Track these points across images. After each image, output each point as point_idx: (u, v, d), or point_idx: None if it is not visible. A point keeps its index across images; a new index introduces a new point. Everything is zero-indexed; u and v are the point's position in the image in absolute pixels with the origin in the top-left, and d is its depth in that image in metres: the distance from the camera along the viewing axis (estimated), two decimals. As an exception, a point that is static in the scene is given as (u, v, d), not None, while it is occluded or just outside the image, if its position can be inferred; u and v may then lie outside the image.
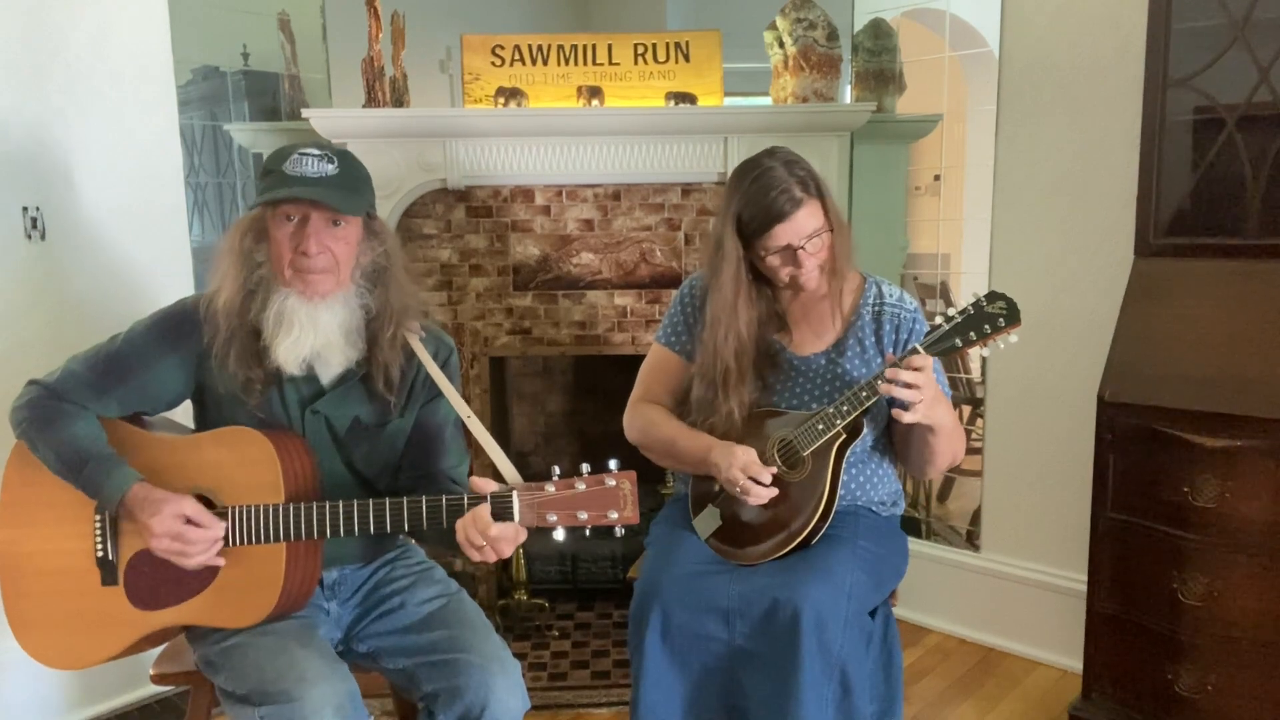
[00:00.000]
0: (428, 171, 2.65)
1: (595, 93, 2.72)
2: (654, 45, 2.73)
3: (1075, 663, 2.38)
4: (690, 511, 1.92)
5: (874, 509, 1.91)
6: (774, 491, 1.75)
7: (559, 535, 1.46)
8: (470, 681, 1.55)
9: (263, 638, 1.54)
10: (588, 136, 2.66)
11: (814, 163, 1.84)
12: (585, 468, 1.46)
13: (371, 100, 2.61)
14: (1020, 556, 2.76)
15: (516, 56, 2.72)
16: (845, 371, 1.86)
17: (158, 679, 1.73)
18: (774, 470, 1.76)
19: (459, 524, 1.48)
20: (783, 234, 1.76)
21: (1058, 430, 2.62)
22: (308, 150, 1.57)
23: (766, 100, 2.87)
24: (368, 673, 1.69)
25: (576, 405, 3.47)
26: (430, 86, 2.95)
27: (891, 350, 1.86)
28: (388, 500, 1.53)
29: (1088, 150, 2.49)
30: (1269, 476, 1.88)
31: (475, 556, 1.48)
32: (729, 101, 2.80)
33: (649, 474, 2.31)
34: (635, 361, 2.07)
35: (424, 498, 1.52)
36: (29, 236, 2.29)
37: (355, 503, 1.53)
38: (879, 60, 2.90)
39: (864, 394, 1.71)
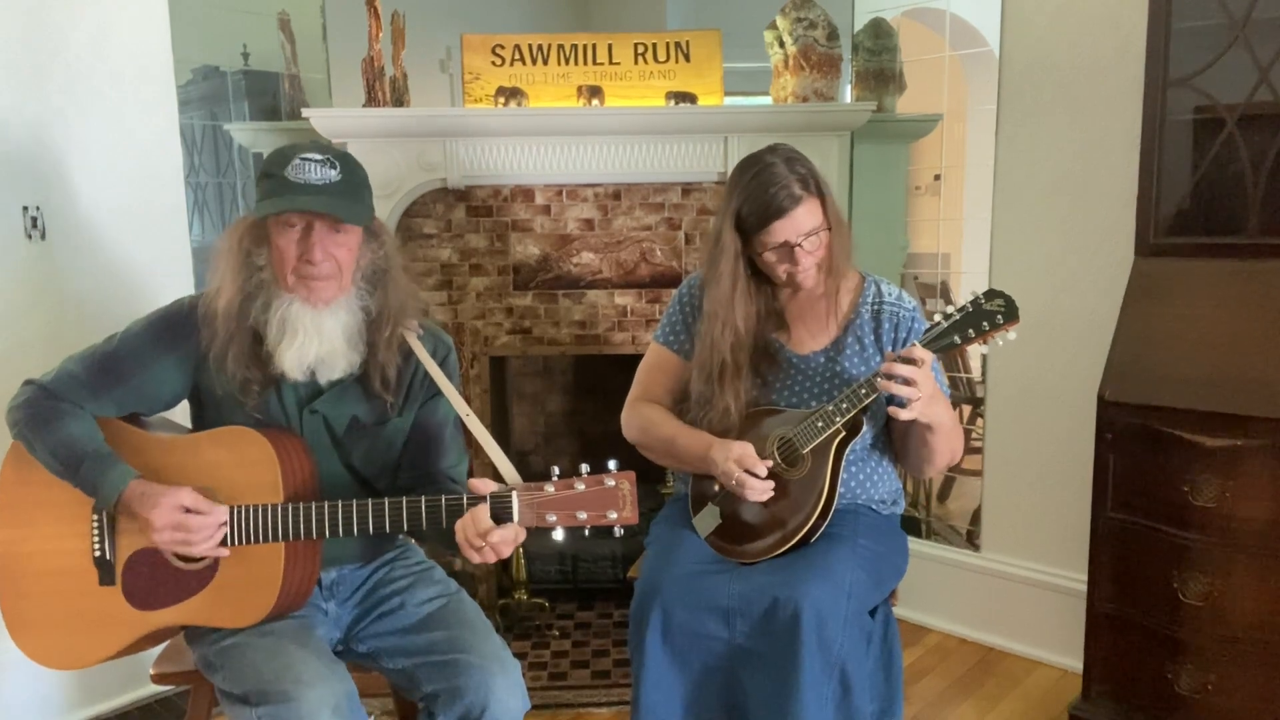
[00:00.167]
0: (428, 171, 2.65)
1: (595, 92, 2.72)
2: (654, 45, 2.73)
3: (1075, 663, 2.37)
4: (690, 510, 1.92)
5: (874, 507, 1.91)
6: (770, 484, 1.75)
7: (558, 535, 1.46)
8: (470, 682, 1.55)
9: (261, 638, 1.54)
10: (588, 136, 2.66)
11: (814, 162, 1.84)
12: (584, 468, 1.46)
13: (371, 100, 2.61)
14: (1020, 556, 2.76)
15: (516, 56, 2.72)
16: (844, 369, 1.86)
17: (158, 679, 1.73)
18: (769, 464, 1.76)
19: (458, 525, 1.48)
20: (781, 230, 1.76)
21: (1058, 430, 2.62)
22: (309, 155, 1.55)
23: (767, 100, 2.87)
24: (367, 673, 1.69)
25: (576, 405, 3.47)
26: (430, 86, 2.95)
27: (890, 349, 1.86)
28: (387, 500, 1.53)
29: (1088, 150, 2.49)
30: (1269, 476, 1.88)
31: (475, 558, 1.48)
32: (729, 101, 2.80)
33: (649, 474, 2.31)
34: (635, 361, 2.07)
35: (423, 498, 1.52)
36: (29, 236, 2.29)
37: (354, 503, 1.53)
38: (879, 60, 2.90)
39: (863, 392, 1.71)
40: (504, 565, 2.99)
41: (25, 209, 2.28)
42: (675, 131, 2.66)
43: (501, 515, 1.46)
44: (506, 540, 1.46)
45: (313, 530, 1.53)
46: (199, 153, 2.62)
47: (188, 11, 2.54)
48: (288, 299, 1.57)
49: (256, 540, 1.54)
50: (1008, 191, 2.66)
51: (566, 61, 2.73)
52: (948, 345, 1.67)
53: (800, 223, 1.76)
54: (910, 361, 1.64)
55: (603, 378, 3.29)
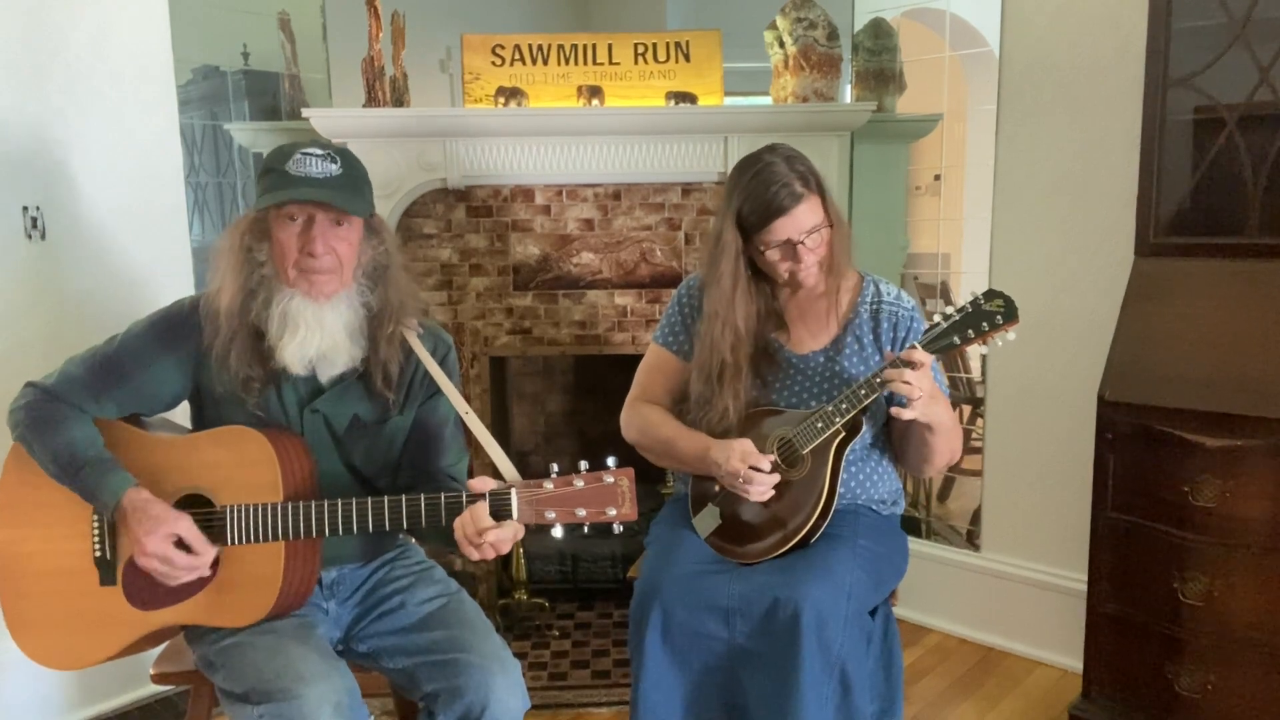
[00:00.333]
0: (428, 171, 2.65)
1: (595, 92, 2.72)
2: (654, 45, 2.73)
3: (1075, 663, 2.37)
4: (690, 511, 1.92)
5: (874, 507, 1.91)
6: (775, 478, 1.75)
7: (557, 532, 1.46)
8: (470, 681, 1.55)
9: (261, 637, 1.54)
10: (588, 136, 2.66)
11: (814, 162, 1.84)
12: (583, 465, 1.46)
13: (371, 100, 2.61)
14: (1020, 556, 2.76)
15: (516, 56, 2.72)
16: (844, 369, 1.86)
17: (158, 679, 1.73)
18: (773, 458, 1.77)
19: (457, 522, 1.48)
20: (783, 228, 1.76)
21: (1058, 430, 2.62)
22: (310, 150, 1.56)
23: (767, 100, 2.87)
24: (367, 672, 1.69)
25: (576, 405, 3.47)
26: (430, 86, 2.95)
27: (890, 348, 1.86)
28: (386, 499, 1.53)
29: (1088, 150, 2.49)
30: (1269, 476, 1.88)
31: (474, 555, 1.48)
32: (729, 101, 2.80)
33: (649, 474, 2.31)
34: (635, 361, 2.07)
35: (422, 495, 1.52)
36: (29, 236, 2.29)
37: (354, 501, 1.53)
38: (879, 60, 2.90)
39: (863, 392, 1.71)
40: (504, 565, 2.99)
41: (25, 209, 2.28)
42: (675, 131, 2.66)
43: (501, 512, 1.46)
44: (505, 538, 1.46)
45: (312, 529, 1.53)
46: (199, 153, 2.62)
47: (188, 11, 2.54)
48: (289, 293, 1.57)
49: (256, 540, 1.54)
50: (1008, 191, 2.66)
51: (566, 61, 2.73)
52: (947, 346, 1.67)
53: (802, 220, 1.76)
54: (910, 363, 1.64)
55: (603, 378, 3.29)
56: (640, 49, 2.73)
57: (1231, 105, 2.04)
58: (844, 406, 1.73)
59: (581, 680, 2.61)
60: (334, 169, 1.55)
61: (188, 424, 1.73)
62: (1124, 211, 2.32)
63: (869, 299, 1.91)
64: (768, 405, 1.87)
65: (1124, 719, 2.15)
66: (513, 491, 1.46)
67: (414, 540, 1.87)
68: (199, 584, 1.56)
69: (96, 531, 1.59)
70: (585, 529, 1.46)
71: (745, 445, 1.76)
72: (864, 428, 1.80)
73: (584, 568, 3.08)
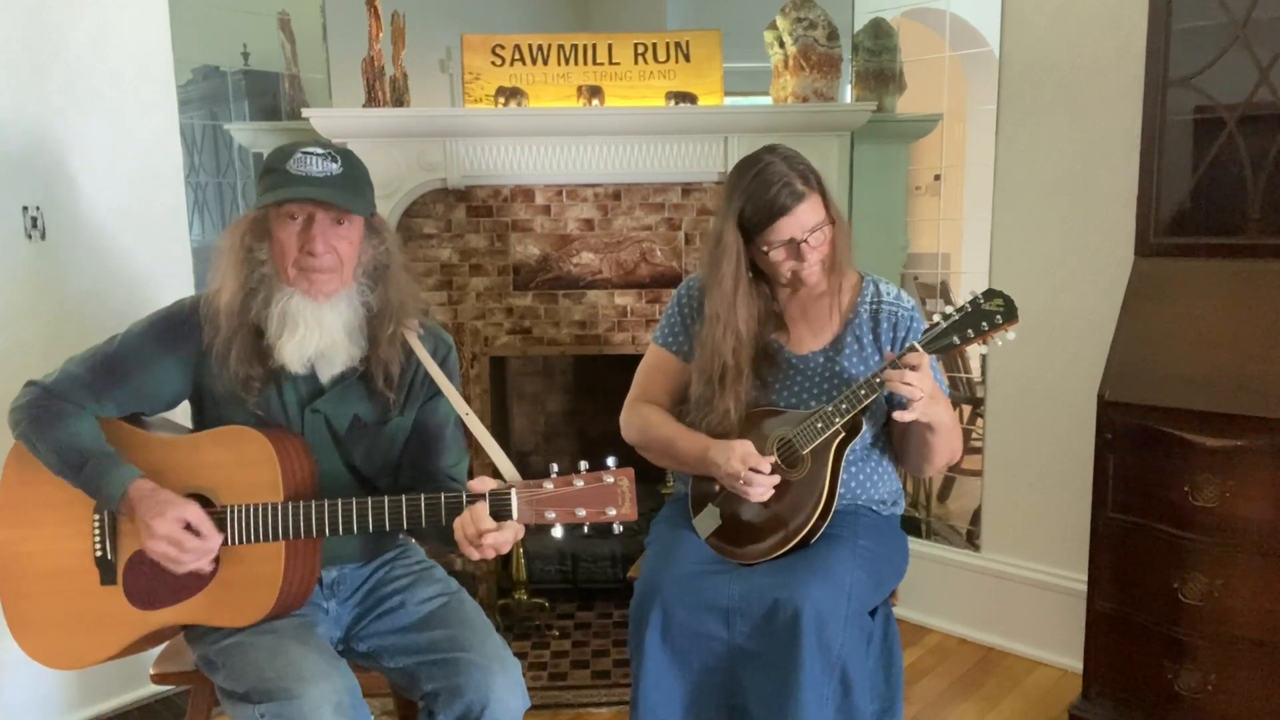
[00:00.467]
0: (428, 171, 2.65)
1: (595, 92, 2.72)
2: (654, 45, 2.73)
3: (1075, 663, 2.37)
4: (690, 511, 1.92)
5: (874, 508, 1.91)
6: (775, 479, 1.75)
7: (557, 532, 1.46)
8: (470, 680, 1.55)
9: (261, 636, 1.54)
10: (588, 136, 2.66)
11: (814, 162, 1.84)
12: (583, 465, 1.46)
13: (371, 100, 2.61)
14: (1020, 556, 2.76)
15: (516, 56, 2.72)
16: (843, 369, 1.86)
17: (158, 678, 1.73)
18: (773, 459, 1.77)
19: (457, 522, 1.48)
20: (786, 228, 1.76)
21: (1058, 430, 2.62)
22: (311, 149, 1.56)
23: (767, 100, 2.87)
24: (367, 672, 1.69)
25: (576, 405, 3.47)
26: (430, 86, 2.95)
27: (890, 348, 1.86)
28: (386, 499, 1.53)
29: (1088, 150, 2.49)
30: (1269, 476, 1.88)
31: (474, 555, 1.48)
32: (729, 101, 2.80)
33: (649, 474, 2.31)
34: (635, 361, 2.07)
35: (422, 496, 1.52)
36: (29, 236, 2.29)
37: (354, 501, 1.53)
38: (879, 60, 2.90)
39: (862, 392, 1.71)
40: (504, 565, 2.99)
41: (25, 209, 2.28)
42: (675, 131, 2.66)
43: (501, 513, 1.46)
44: (505, 538, 1.46)
45: (313, 529, 1.53)
46: (199, 153, 2.62)
47: (188, 11, 2.54)
48: (288, 292, 1.57)
49: (257, 540, 1.54)
50: (1008, 191, 2.66)
51: (566, 61, 2.73)
52: (947, 346, 1.67)
53: (804, 219, 1.76)
54: (910, 363, 1.64)
55: (603, 378, 3.29)
56: (640, 49, 2.73)
57: (1231, 105, 2.04)
58: (844, 407, 1.73)
59: (581, 680, 2.61)
60: (334, 168, 1.56)
61: (188, 423, 1.73)
62: (1124, 211, 2.32)
63: (869, 299, 1.91)
64: (767, 406, 1.87)
65: (1124, 719, 2.15)
66: (513, 492, 1.46)
67: (414, 540, 1.87)
68: (199, 583, 1.57)
69: (97, 531, 1.59)
70: (585, 529, 1.46)
71: (745, 447, 1.76)
72: (864, 428, 1.80)
73: (584, 568, 3.08)
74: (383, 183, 2.54)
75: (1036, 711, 2.47)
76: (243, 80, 2.72)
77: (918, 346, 1.67)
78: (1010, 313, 1.64)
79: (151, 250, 2.51)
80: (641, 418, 1.96)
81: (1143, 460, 2.06)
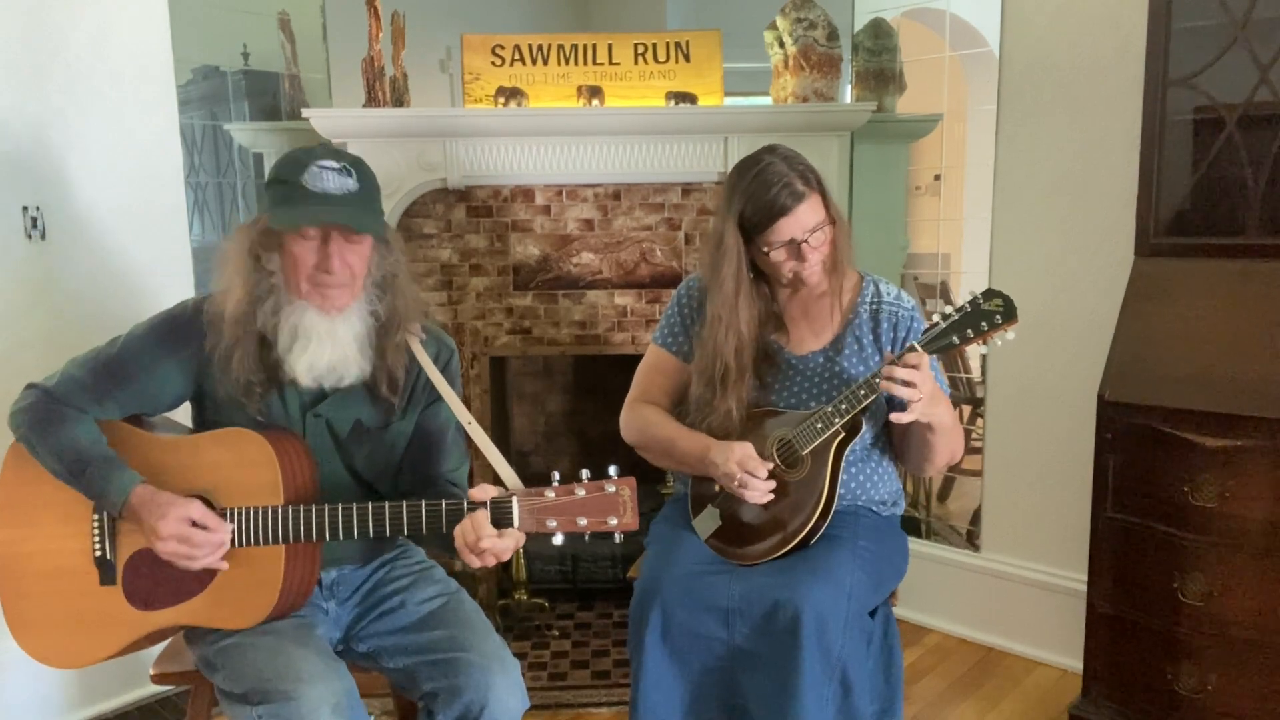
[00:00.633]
0: (428, 171, 2.65)
1: (595, 92, 2.72)
2: (654, 45, 2.73)
3: (1075, 663, 2.37)
4: (690, 512, 1.92)
5: (874, 508, 1.91)
6: (772, 484, 1.75)
7: (558, 540, 1.46)
8: (470, 681, 1.55)
9: (260, 637, 1.54)
10: (588, 136, 2.66)
11: (814, 162, 1.84)
12: (585, 474, 1.46)
13: (371, 100, 2.61)
14: (1020, 556, 2.76)
15: (516, 56, 2.72)
16: (843, 370, 1.86)
17: (158, 679, 1.73)
18: (771, 465, 1.76)
19: (457, 530, 1.48)
20: (787, 228, 1.76)
21: (1058, 430, 2.62)
22: (326, 163, 1.53)
23: (766, 100, 2.87)
24: (367, 672, 1.69)
25: (576, 405, 3.47)
26: (430, 86, 2.95)
27: (890, 348, 1.86)
28: (387, 504, 1.53)
29: (1088, 150, 2.49)
30: (1269, 476, 1.88)
31: (474, 563, 1.48)
32: (729, 101, 2.80)
33: (649, 474, 2.31)
34: (635, 361, 2.07)
35: (423, 502, 1.52)
36: (29, 236, 2.29)
37: (355, 506, 1.53)
38: (879, 60, 2.90)
39: (862, 393, 1.71)
40: (504, 565, 2.99)
41: (25, 209, 2.28)
42: (675, 132, 2.66)
43: (502, 521, 1.46)
44: (506, 546, 1.46)
45: (313, 533, 1.53)
46: (199, 153, 2.62)
47: (188, 11, 2.54)
48: (300, 306, 1.56)
49: (257, 542, 1.54)
50: (1008, 191, 2.66)
51: (566, 61, 2.73)
52: (946, 346, 1.67)
53: (805, 219, 1.76)
54: (909, 363, 1.64)
55: (603, 378, 3.29)
56: (640, 49, 2.73)
57: (1231, 105, 2.04)
58: (843, 407, 1.72)
59: (581, 680, 2.61)
60: (351, 184, 1.54)
61: (189, 422, 1.73)
62: (1124, 211, 2.32)
63: (869, 299, 1.90)
64: (767, 406, 1.87)
65: (1124, 719, 2.15)
66: (514, 500, 1.46)
67: (414, 543, 1.87)
68: (199, 584, 1.57)
69: (97, 531, 1.59)
70: (586, 537, 1.47)
71: (745, 449, 1.75)
72: (864, 428, 1.80)
73: (584, 568, 3.09)
74: (383, 183, 2.49)
75: (1036, 711, 2.47)
76: (243, 80, 2.72)
77: (917, 347, 1.67)
78: (1010, 313, 1.64)
79: (151, 250, 2.51)
80: (641, 418, 1.96)
81: (1142, 460, 2.06)
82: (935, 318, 1.69)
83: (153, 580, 1.57)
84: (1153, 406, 2.03)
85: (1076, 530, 2.36)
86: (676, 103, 2.71)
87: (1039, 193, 2.60)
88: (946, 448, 1.80)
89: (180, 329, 1.62)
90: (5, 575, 1.61)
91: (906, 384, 1.63)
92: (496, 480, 1.51)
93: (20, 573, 1.60)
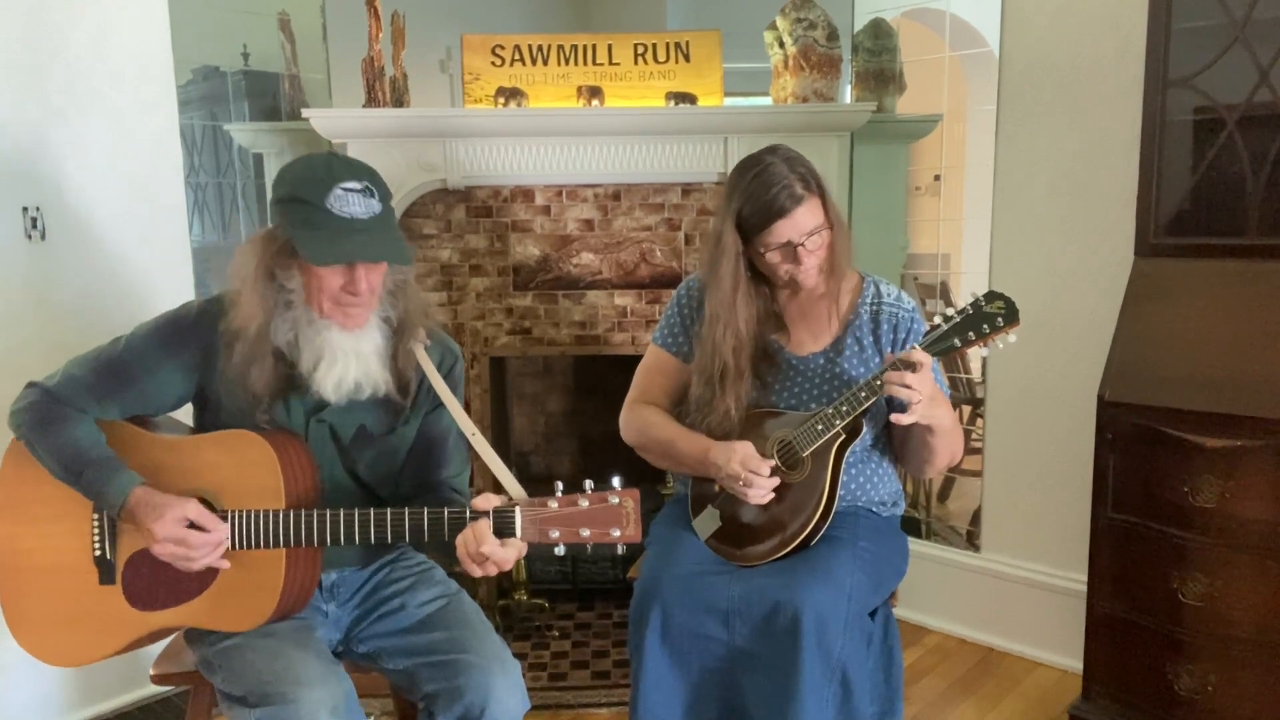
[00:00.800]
0: (428, 171, 2.65)
1: (595, 93, 2.72)
2: (654, 45, 2.73)
3: (1075, 663, 2.37)
4: (690, 512, 1.92)
5: (874, 509, 1.91)
6: (774, 482, 1.75)
7: (560, 551, 1.46)
8: (470, 682, 1.55)
9: (260, 639, 1.54)
10: (588, 136, 2.66)
11: (814, 163, 1.84)
12: (589, 484, 1.46)
13: (371, 100, 2.61)
14: (1020, 556, 2.76)
15: (516, 56, 2.72)
16: (844, 371, 1.86)
17: (158, 679, 1.73)
18: (773, 463, 1.76)
19: (459, 539, 1.48)
20: (783, 230, 1.76)
21: (1058, 430, 2.62)
22: (348, 184, 1.49)
23: (766, 100, 2.87)
24: (367, 673, 1.69)
25: (576, 405, 3.47)
26: (430, 86, 2.95)
27: (890, 350, 1.86)
28: (389, 511, 1.52)
29: (1088, 150, 2.49)
30: (1269, 476, 1.88)
31: (475, 571, 1.48)
32: (729, 101, 2.80)
33: (649, 474, 2.31)
34: (635, 361, 2.07)
35: (426, 510, 1.52)
36: (29, 236, 2.29)
37: (357, 512, 1.53)
38: (879, 60, 2.90)
39: (863, 394, 1.71)
40: (504, 565, 2.99)
41: (25, 209, 2.28)
42: (675, 132, 2.66)
43: (505, 531, 1.46)
44: (508, 556, 1.46)
45: (314, 538, 1.53)
46: (199, 153, 2.62)
47: (188, 11, 2.54)
48: (322, 325, 1.55)
49: (257, 546, 1.54)
50: (1008, 191, 2.66)
51: (566, 62, 2.73)
52: (948, 348, 1.67)
53: (802, 222, 1.76)
54: (910, 365, 1.64)
55: (603, 378, 3.29)
56: (640, 49, 2.73)
57: (1231, 105, 2.04)
58: (844, 409, 1.72)
59: (581, 680, 2.61)
60: (375, 206, 1.51)
61: (190, 421, 1.73)
62: (1124, 211, 2.32)
63: (869, 300, 1.90)
64: (768, 407, 1.87)
65: (1124, 719, 2.15)
66: (517, 510, 1.46)
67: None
68: (199, 585, 1.56)
69: (96, 531, 1.59)
70: (589, 548, 1.47)
71: (746, 449, 1.75)
72: (864, 430, 1.80)
73: (584, 568, 3.09)
74: (383, 183, 2.53)
75: (1036, 712, 2.47)
76: (243, 80, 2.72)
77: (918, 348, 1.67)
78: (1011, 315, 1.63)
79: (151, 251, 2.51)
80: (641, 419, 1.96)
81: (1142, 460, 2.06)
82: (937, 319, 1.69)
83: (152, 581, 1.57)
84: (1153, 407, 2.03)
85: (1076, 530, 2.36)
86: (676, 103, 2.71)
87: (1039, 193, 2.60)
88: (946, 449, 1.80)
89: (183, 331, 1.61)
90: (4, 571, 1.61)
91: (907, 386, 1.63)
92: (498, 488, 1.50)
93: (19, 569, 1.60)
